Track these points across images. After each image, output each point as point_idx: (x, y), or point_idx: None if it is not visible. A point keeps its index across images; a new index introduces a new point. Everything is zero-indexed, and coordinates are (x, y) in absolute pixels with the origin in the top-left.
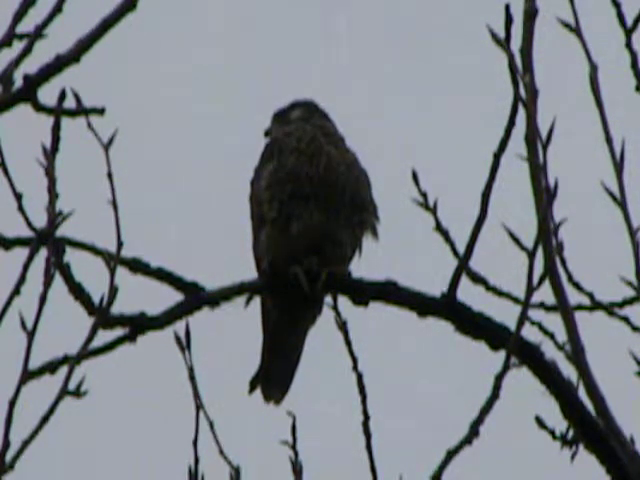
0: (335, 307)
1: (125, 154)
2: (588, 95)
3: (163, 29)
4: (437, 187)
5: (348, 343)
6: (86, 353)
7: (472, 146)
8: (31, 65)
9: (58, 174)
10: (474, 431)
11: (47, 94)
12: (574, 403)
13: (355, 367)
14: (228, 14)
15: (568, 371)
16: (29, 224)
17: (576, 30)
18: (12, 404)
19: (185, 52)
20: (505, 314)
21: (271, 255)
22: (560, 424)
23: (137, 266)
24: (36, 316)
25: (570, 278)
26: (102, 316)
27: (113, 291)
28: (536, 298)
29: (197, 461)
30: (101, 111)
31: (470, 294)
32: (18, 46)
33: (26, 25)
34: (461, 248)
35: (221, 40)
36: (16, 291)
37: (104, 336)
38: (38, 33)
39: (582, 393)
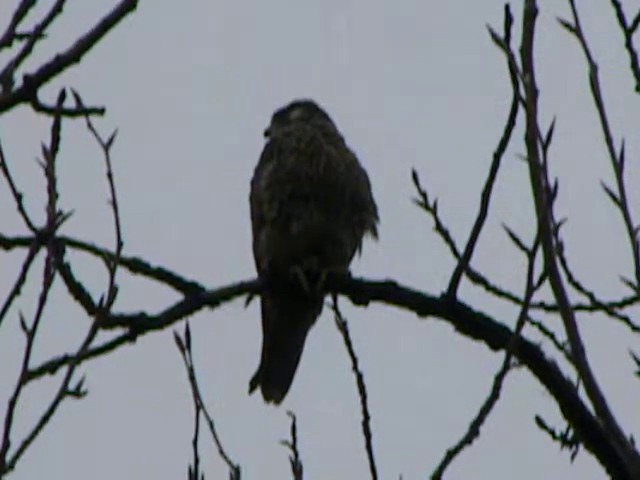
0: (335, 307)
1: (125, 154)
2: (588, 95)
3: (163, 29)
4: (437, 187)
5: (348, 343)
6: (86, 353)
7: (472, 146)
8: (31, 65)
9: (58, 174)
10: (474, 431)
11: (47, 94)
12: (574, 403)
13: (355, 367)
14: (228, 14)
15: (568, 371)
16: (29, 224)
17: (576, 30)
18: (12, 404)
19: (185, 52)
20: (505, 314)
21: (271, 255)
22: (560, 424)
23: (137, 266)
24: (36, 316)
25: (570, 278)
26: (102, 316)
27: (113, 291)
28: (536, 298)
29: (197, 461)
30: (101, 111)
31: (470, 294)
32: (18, 46)
33: (26, 25)
34: (461, 248)
35: (221, 40)
36: (16, 291)
37: (104, 336)
38: (38, 33)
39: (582, 393)
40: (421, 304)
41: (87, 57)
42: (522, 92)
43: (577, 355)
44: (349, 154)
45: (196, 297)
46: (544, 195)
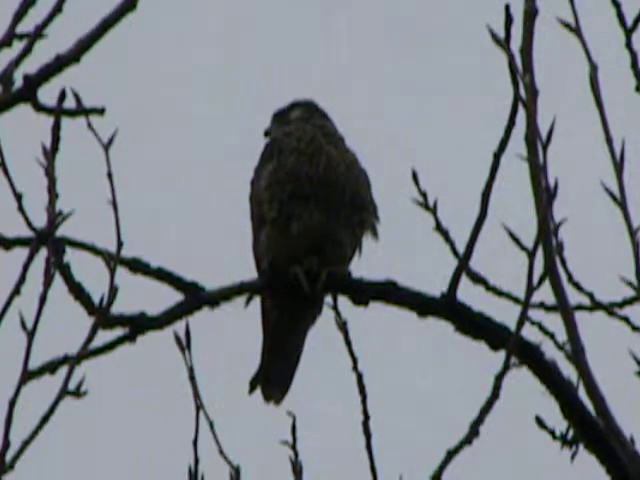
0: (335, 307)
1: (125, 154)
2: (588, 95)
3: (163, 29)
4: (437, 187)
5: (348, 343)
6: (86, 353)
7: (472, 146)
8: (31, 65)
9: (58, 174)
10: (474, 431)
11: (47, 94)
12: (574, 403)
13: (355, 367)
14: (228, 14)
15: (568, 371)
16: (29, 224)
17: (576, 30)
18: (12, 404)
19: (185, 52)
20: (505, 314)
21: (271, 255)
22: (560, 424)
23: (137, 266)
24: (36, 316)
25: (570, 278)
26: (102, 316)
27: (113, 291)
28: (536, 298)
29: (197, 461)
30: (101, 111)
31: (470, 294)
32: (18, 46)
33: (26, 25)
34: (461, 248)
35: (221, 40)
36: (16, 291)
37: (104, 336)
38: (38, 33)
39: (582, 393)
40: (421, 304)
41: (87, 57)
42: (522, 92)
43: (577, 355)
44: (349, 154)
45: (196, 297)
46: (544, 195)
